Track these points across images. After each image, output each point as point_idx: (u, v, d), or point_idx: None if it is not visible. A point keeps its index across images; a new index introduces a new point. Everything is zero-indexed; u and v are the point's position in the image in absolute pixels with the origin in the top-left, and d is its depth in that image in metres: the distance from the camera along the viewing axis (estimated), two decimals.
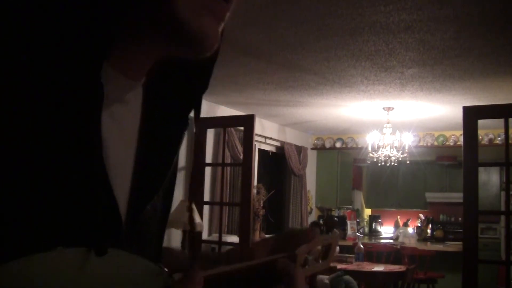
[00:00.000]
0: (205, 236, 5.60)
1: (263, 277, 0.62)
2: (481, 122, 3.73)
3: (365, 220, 9.86)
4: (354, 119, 6.72)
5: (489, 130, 6.90)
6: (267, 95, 5.55)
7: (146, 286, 0.46)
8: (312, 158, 8.29)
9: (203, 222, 5.22)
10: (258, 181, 6.67)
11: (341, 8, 3.11)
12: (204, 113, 5.76)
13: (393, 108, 5.92)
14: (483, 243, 6.98)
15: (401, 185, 9.86)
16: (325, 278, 4.18)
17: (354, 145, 8.04)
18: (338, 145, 8.20)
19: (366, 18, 3.26)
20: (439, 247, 7.63)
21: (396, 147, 6.33)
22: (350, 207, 9.24)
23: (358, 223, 8.96)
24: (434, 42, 3.66)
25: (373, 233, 9.33)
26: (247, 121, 5.38)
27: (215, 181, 5.86)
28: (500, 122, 3.64)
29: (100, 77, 0.43)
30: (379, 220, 9.71)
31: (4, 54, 0.40)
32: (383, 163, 6.53)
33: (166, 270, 0.48)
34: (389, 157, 6.35)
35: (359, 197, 10.24)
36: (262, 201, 6.30)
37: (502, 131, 4.54)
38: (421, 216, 9.26)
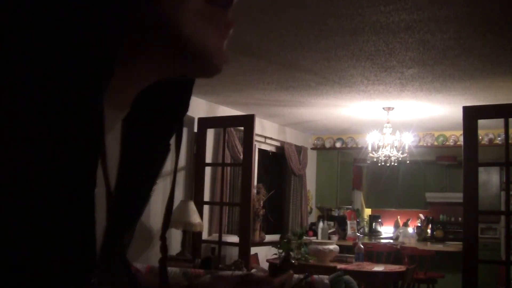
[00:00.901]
0: (205, 236, 5.60)
1: None
2: (481, 122, 3.73)
3: (365, 220, 9.85)
4: (354, 119, 6.73)
5: (489, 130, 6.90)
6: (267, 95, 5.55)
7: None
8: (312, 158, 8.30)
9: (203, 222, 5.22)
10: (258, 181, 6.67)
11: (341, 8, 3.11)
12: (204, 113, 5.76)
13: (393, 108, 5.92)
14: (483, 243, 6.97)
15: (401, 185, 9.86)
16: (325, 278, 4.17)
17: (354, 145, 8.04)
18: (338, 145, 8.20)
19: (366, 18, 3.26)
20: (439, 247, 7.63)
21: (396, 147, 6.33)
22: (350, 207, 9.24)
23: (358, 223, 8.96)
24: (434, 42, 3.66)
25: (373, 233, 9.33)
26: (247, 121, 5.38)
27: (215, 181, 5.86)
28: (500, 122, 3.64)
29: (102, 100, 0.39)
30: (379, 220, 9.70)
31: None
32: (383, 163, 6.53)
33: None
34: (389, 157, 6.35)
35: (359, 197, 10.24)
36: (262, 201, 6.30)
37: (502, 131, 4.54)
38: (421, 216, 9.26)
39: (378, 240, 8.50)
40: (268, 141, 7.06)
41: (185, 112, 0.56)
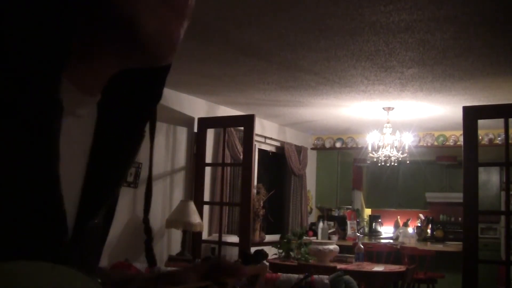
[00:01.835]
0: (205, 236, 5.60)
1: None
2: (481, 122, 3.73)
3: (365, 220, 9.85)
4: (354, 119, 6.72)
5: (489, 130, 6.90)
6: (267, 95, 5.55)
7: None
8: (312, 158, 8.29)
9: (203, 222, 5.22)
10: (258, 181, 6.67)
11: (341, 8, 3.11)
12: (204, 113, 5.76)
13: (393, 108, 5.92)
14: (483, 243, 6.97)
15: (401, 185, 9.85)
16: (325, 278, 4.17)
17: (354, 145, 8.04)
18: (338, 145, 8.20)
19: (366, 18, 3.26)
20: (439, 247, 7.63)
21: (396, 147, 6.33)
22: (350, 207, 9.23)
23: (358, 223, 8.95)
24: (434, 42, 3.66)
25: (373, 233, 9.32)
26: (247, 121, 5.38)
27: (215, 181, 5.86)
28: (500, 122, 3.64)
29: (58, 92, 0.43)
30: (379, 220, 9.70)
31: None
32: (383, 163, 6.53)
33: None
34: (389, 157, 6.35)
35: (359, 197, 10.24)
36: (262, 201, 6.30)
37: (502, 131, 4.54)
38: (421, 216, 9.26)
39: (378, 240, 8.50)
40: (268, 141, 7.06)
41: (158, 101, 0.59)
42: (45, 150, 0.43)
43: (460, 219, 8.30)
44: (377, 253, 7.01)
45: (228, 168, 5.94)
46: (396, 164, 6.61)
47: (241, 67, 4.47)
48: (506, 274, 4.38)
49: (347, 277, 5.50)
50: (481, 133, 6.47)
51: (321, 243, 5.79)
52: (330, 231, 7.68)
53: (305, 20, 3.33)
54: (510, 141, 3.67)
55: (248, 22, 3.40)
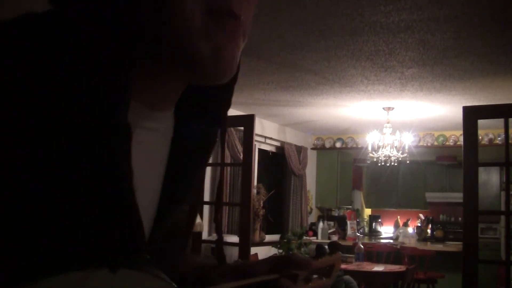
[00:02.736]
0: (205, 236, 5.60)
1: None
2: (481, 122, 3.72)
3: (365, 220, 9.85)
4: (354, 119, 6.72)
5: (489, 130, 6.90)
6: (267, 95, 5.55)
7: None
8: (312, 158, 8.29)
9: (203, 222, 5.22)
10: (258, 181, 6.67)
11: (341, 8, 3.11)
12: None
13: (393, 108, 5.92)
14: (483, 243, 6.97)
15: (401, 185, 9.85)
16: None
17: (354, 145, 8.04)
18: (338, 145, 8.20)
19: (366, 18, 3.26)
20: (439, 247, 7.63)
21: (396, 147, 6.33)
22: (350, 207, 9.24)
23: (358, 223, 8.96)
24: (434, 42, 3.66)
25: (373, 233, 9.33)
26: (247, 121, 5.38)
27: (215, 181, 5.86)
28: (500, 122, 3.63)
29: (126, 117, 0.48)
30: (379, 220, 9.70)
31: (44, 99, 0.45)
32: (383, 163, 6.53)
33: None
34: (389, 157, 6.35)
35: (359, 197, 10.24)
36: (262, 201, 6.30)
37: (502, 131, 4.54)
38: (421, 216, 9.26)
39: (378, 240, 8.50)
40: (268, 141, 7.05)
41: (228, 108, 0.66)
42: (119, 169, 0.48)
43: (460, 219, 8.30)
44: (377, 253, 7.01)
45: (228, 168, 5.94)
46: (396, 164, 6.61)
47: (241, 67, 4.44)
48: (506, 274, 4.38)
49: (347, 277, 5.50)
50: (481, 133, 6.47)
51: (321, 243, 5.79)
52: (330, 231, 7.68)
53: (305, 20, 3.33)
54: (510, 141, 3.67)
55: None
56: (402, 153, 6.35)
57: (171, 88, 0.58)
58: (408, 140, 6.49)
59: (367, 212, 10.37)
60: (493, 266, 7.17)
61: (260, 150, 6.95)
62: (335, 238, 7.47)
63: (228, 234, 5.81)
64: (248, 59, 4.22)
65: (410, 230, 8.78)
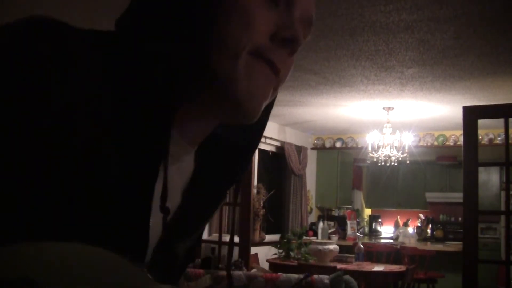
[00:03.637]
0: (205, 236, 5.61)
1: None
2: (481, 122, 3.72)
3: (365, 220, 9.86)
4: (354, 119, 6.72)
5: (489, 130, 6.90)
6: None
7: None
8: (312, 158, 8.29)
9: None
10: (258, 181, 6.67)
11: (341, 8, 3.11)
12: None
13: (393, 108, 5.92)
14: (483, 243, 6.97)
15: (401, 185, 9.85)
16: (325, 278, 4.17)
17: (354, 145, 8.04)
18: (338, 145, 8.20)
19: (366, 18, 3.26)
20: (439, 247, 7.63)
21: (396, 147, 6.33)
22: (350, 207, 9.24)
23: (358, 223, 8.96)
24: (434, 42, 3.66)
25: (373, 233, 9.33)
26: None
27: None
28: (500, 122, 3.63)
29: (168, 145, 0.53)
30: (379, 220, 9.70)
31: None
32: (383, 163, 6.53)
33: None
34: (389, 157, 6.35)
35: (359, 197, 10.24)
36: (262, 201, 6.30)
37: (502, 131, 4.54)
38: (421, 216, 9.26)
39: (378, 240, 8.50)
40: (268, 141, 7.06)
41: (254, 150, 0.68)
42: (146, 186, 0.52)
43: (460, 219, 8.30)
44: (377, 253, 7.01)
45: None
46: (396, 164, 6.61)
47: None
48: (506, 274, 4.38)
49: (347, 277, 5.49)
50: (481, 133, 6.47)
51: (321, 243, 5.79)
52: (330, 231, 7.68)
53: None
54: (510, 141, 3.67)
55: None
56: (402, 153, 6.35)
57: (207, 126, 0.62)
58: (408, 140, 6.49)
59: (367, 212, 10.37)
60: (493, 266, 7.17)
61: (260, 150, 6.95)
62: (335, 238, 7.47)
63: (228, 234, 5.81)
64: None
65: (410, 230, 8.78)
